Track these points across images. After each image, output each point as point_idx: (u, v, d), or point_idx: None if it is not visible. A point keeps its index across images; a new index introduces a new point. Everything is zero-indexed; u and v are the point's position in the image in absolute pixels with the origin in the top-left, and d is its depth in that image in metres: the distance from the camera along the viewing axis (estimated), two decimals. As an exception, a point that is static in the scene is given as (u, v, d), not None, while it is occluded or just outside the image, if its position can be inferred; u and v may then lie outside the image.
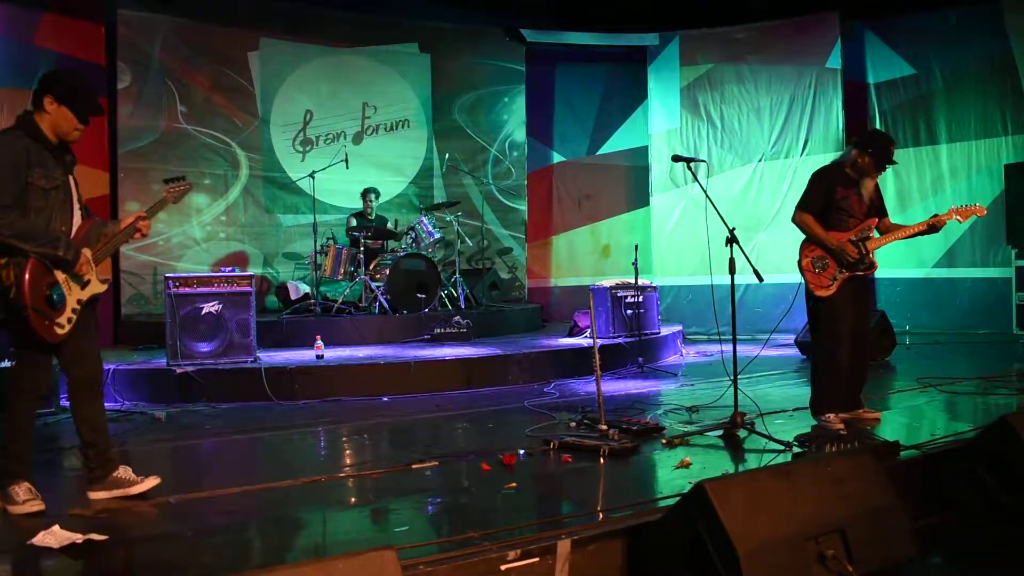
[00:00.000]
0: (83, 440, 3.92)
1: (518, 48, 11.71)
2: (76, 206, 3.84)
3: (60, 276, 3.67)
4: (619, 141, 12.28)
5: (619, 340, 8.43)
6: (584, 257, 12.36)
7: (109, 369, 6.66)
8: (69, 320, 3.70)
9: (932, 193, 10.81)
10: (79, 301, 3.76)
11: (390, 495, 4.02)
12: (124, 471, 3.96)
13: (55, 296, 3.63)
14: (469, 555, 2.96)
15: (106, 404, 6.17)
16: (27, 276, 3.53)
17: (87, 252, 3.79)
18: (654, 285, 9.50)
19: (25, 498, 3.66)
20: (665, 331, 9.36)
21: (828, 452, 4.25)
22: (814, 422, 5.18)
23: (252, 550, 3.46)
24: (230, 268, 8.25)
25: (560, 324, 10.46)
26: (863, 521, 3.12)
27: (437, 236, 9.71)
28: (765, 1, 11.09)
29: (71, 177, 3.84)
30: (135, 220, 3.95)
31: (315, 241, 9.23)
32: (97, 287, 3.87)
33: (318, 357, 7.30)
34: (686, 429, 5.13)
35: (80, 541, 3.25)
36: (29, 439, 3.79)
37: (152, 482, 3.97)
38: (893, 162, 5.16)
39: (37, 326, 3.56)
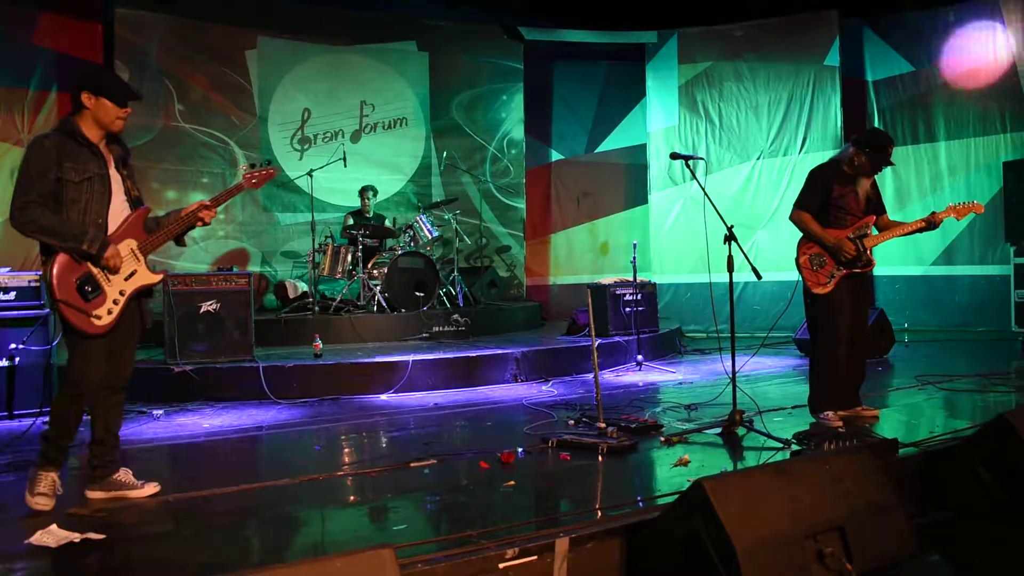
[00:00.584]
0: (93, 436, 3.94)
1: (516, 46, 11.70)
2: (122, 198, 3.87)
3: (93, 269, 3.70)
4: (617, 139, 12.27)
5: (617, 338, 8.43)
6: (583, 255, 12.36)
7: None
8: (109, 311, 3.72)
9: (931, 191, 10.80)
10: (122, 292, 3.78)
11: (388, 493, 4.02)
12: (124, 474, 3.96)
13: (88, 288, 3.67)
14: (467, 553, 2.95)
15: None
16: (55, 270, 3.62)
17: (130, 243, 3.82)
18: (652, 283, 9.50)
19: (40, 491, 3.69)
20: (663, 329, 9.36)
21: (827, 450, 4.25)
22: (812, 420, 5.19)
23: (250, 549, 3.45)
24: (228, 267, 8.24)
25: (559, 322, 10.47)
26: (861, 519, 3.12)
27: (435, 234, 9.71)
28: (763, -2, 11.09)
29: (116, 170, 3.87)
30: (197, 208, 3.97)
31: (313, 239, 9.22)
32: (146, 277, 3.88)
33: (316, 355, 7.29)
34: (684, 427, 5.13)
35: (77, 540, 3.24)
36: (73, 433, 3.83)
37: (152, 488, 3.97)
38: (890, 163, 5.15)
39: (71, 318, 3.62)
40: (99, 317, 3.69)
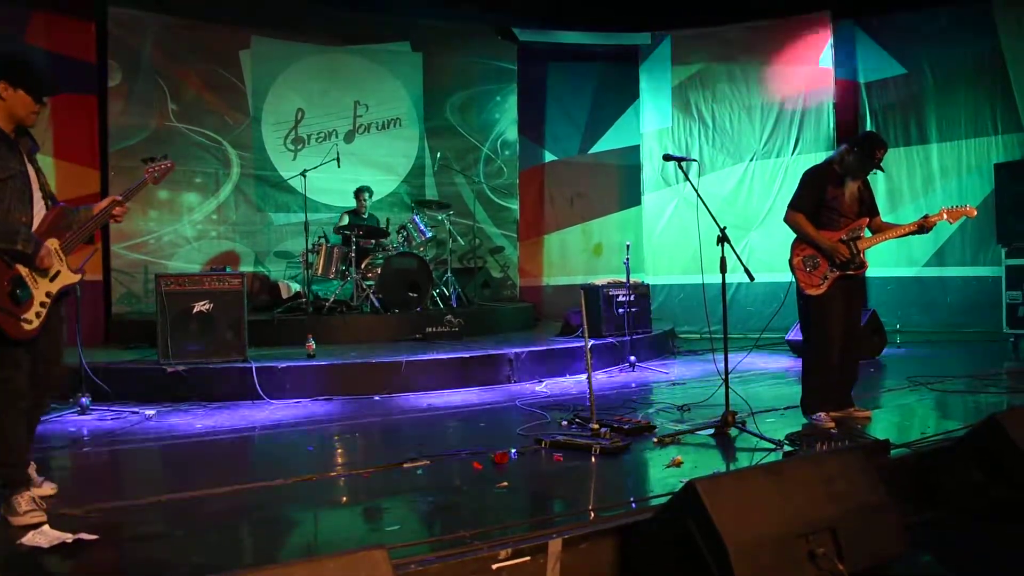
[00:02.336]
0: None
1: (510, 47, 11.70)
2: (38, 195, 3.72)
3: (23, 270, 3.57)
4: (611, 140, 12.28)
5: (611, 339, 8.44)
6: (576, 256, 12.36)
7: (100, 367, 6.65)
8: (38, 315, 3.61)
9: (923, 192, 10.84)
10: (48, 294, 3.67)
11: (381, 494, 4.02)
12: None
13: (18, 291, 3.54)
14: (460, 554, 2.95)
15: (94, 403, 6.22)
16: None
17: (53, 243, 3.70)
18: (646, 284, 9.51)
19: (27, 509, 3.56)
20: (656, 330, 9.37)
21: (819, 451, 4.26)
22: (805, 421, 5.20)
23: (243, 549, 3.45)
24: (222, 267, 8.23)
25: (552, 323, 10.46)
26: (853, 519, 3.13)
27: (429, 235, 9.71)
28: (757, 1, 11.09)
29: (31, 166, 3.72)
30: (109, 204, 3.87)
31: (306, 240, 9.20)
32: (68, 278, 3.77)
33: (309, 356, 7.29)
34: (677, 428, 5.14)
35: (70, 541, 3.24)
36: (21, 445, 3.67)
37: (49, 489, 3.90)
38: (879, 167, 5.15)
39: (3, 324, 3.48)
40: (29, 321, 3.56)
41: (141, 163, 4.18)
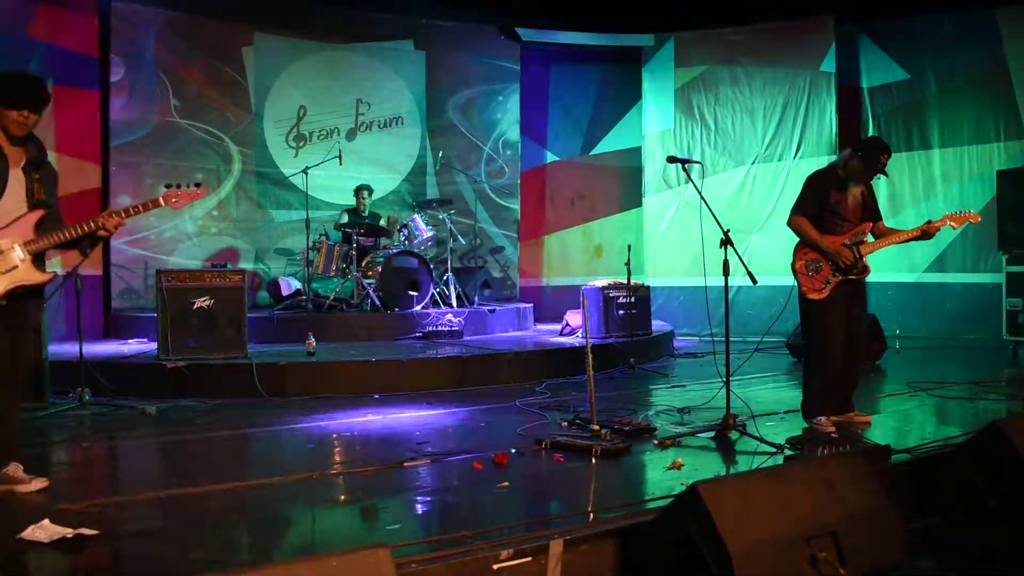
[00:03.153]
0: None
1: (513, 46, 11.70)
2: (20, 198, 3.83)
3: None
4: (613, 141, 12.28)
5: (611, 340, 8.43)
6: (576, 257, 12.37)
7: (99, 363, 6.64)
8: None
9: (924, 198, 10.84)
10: None
11: (382, 493, 4.01)
12: (15, 469, 3.93)
13: None
14: (461, 554, 2.95)
15: (94, 399, 6.21)
16: None
17: (13, 240, 3.78)
18: (646, 286, 9.50)
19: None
20: (657, 332, 9.37)
21: (820, 455, 4.25)
22: (805, 425, 5.20)
23: (243, 547, 3.44)
24: (222, 263, 8.22)
25: (551, 323, 10.46)
26: (855, 524, 3.13)
27: (429, 234, 9.70)
28: (760, 3, 11.09)
29: (22, 170, 3.84)
30: (103, 216, 3.92)
31: (307, 237, 9.19)
32: (28, 276, 3.83)
33: (309, 354, 7.28)
34: (678, 430, 5.13)
35: (70, 535, 3.23)
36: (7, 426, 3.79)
37: (40, 483, 3.93)
38: (883, 172, 5.15)
39: None
40: None
41: (164, 188, 4.14)
